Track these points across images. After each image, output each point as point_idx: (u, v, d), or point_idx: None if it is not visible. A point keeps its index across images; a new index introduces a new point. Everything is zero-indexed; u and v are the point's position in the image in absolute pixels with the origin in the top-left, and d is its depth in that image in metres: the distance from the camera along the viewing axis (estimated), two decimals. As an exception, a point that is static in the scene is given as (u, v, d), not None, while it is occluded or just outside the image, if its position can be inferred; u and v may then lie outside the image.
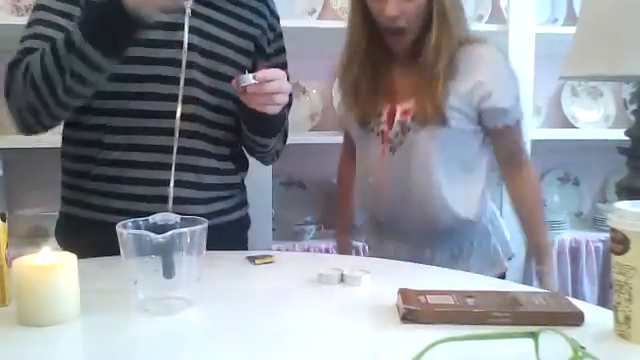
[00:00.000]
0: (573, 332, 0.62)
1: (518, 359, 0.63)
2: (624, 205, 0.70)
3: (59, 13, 1.08)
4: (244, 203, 1.32)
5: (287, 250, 2.00)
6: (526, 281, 2.08)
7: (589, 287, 2.23)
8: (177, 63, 1.08)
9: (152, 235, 0.75)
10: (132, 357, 0.67)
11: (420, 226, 1.31)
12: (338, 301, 0.85)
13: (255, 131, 1.20)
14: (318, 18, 2.23)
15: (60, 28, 1.06)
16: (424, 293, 0.79)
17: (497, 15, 2.27)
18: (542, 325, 0.64)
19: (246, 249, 1.30)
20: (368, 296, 0.88)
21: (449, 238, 1.32)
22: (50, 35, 1.06)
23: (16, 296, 0.76)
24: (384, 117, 1.30)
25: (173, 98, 1.09)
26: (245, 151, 1.30)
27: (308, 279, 0.94)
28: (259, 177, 1.87)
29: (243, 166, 1.29)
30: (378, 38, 1.28)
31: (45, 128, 1.10)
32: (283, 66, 1.29)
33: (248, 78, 1.01)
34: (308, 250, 2.05)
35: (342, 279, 0.92)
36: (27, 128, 1.09)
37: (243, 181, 1.31)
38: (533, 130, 2.13)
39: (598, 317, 0.75)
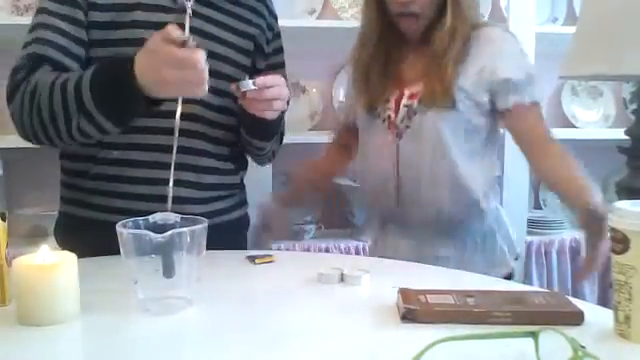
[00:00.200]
0: (573, 332, 0.62)
1: (518, 359, 0.63)
2: (624, 205, 0.70)
3: (61, 17, 1.07)
4: (243, 202, 1.32)
5: (287, 250, 2.00)
6: (526, 281, 2.09)
7: (589, 287, 2.22)
8: None
9: (152, 235, 0.75)
10: (132, 357, 0.67)
11: (426, 217, 1.27)
12: (338, 301, 0.85)
13: (253, 134, 1.21)
14: (318, 18, 2.23)
15: (62, 32, 1.06)
16: (424, 293, 0.79)
17: (497, 14, 2.27)
18: (542, 324, 0.64)
19: (246, 249, 1.30)
20: (368, 296, 0.88)
21: (454, 233, 1.29)
22: (52, 40, 1.06)
23: (16, 296, 0.76)
24: (391, 103, 1.28)
25: (173, 97, 1.09)
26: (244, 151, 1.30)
27: (308, 279, 0.94)
28: (259, 177, 1.87)
29: (243, 166, 1.30)
30: (390, 25, 1.27)
31: (45, 145, 1.11)
32: (281, 65, 1.30)
33: (248, 84, 1.03)
34: (308, 250, 2.05)
35: (342, 279, 0.92)
36: (27, 140, 1.09)
37: (242, 181, 1.31)
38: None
39: (598, 317, 0.75)
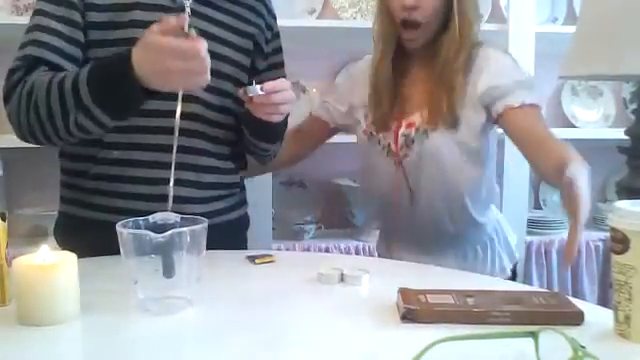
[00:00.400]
0: (573, 331, 0.62)
1: (518, 359, 0.63)
2: (624, 204, 0.70)
3: (57, 18, 1.07)
4: (243, 202, 1.32)
5: (287, 250, 2.00)
6: (526, 281, 2.09)
7: (589, 287, 2.22)
8: None
9: (152, 234, 0.75)
10: (132, 357, 0.67)
11: (427, 234, 1.31)
12: (338, 301, 0.85)
13: (258, 137, 1.22)
14: (318, 18, 2.23)
15: (58, 34, 1.06)
16: (424, 292, 0.79)
17: (497, 14, 2.27)
18: (542, 324, 0.64)
19: (246, 248, 1.30)
20: (368, 296, 0.88)
21: (455, 244, 1.32)
22: (48, 42, 1.05)
23: (16, 296, 0.76)
24: (391, 132, 1.30)
25: (173, 97, 1.09)
26: (244, 152, 1.30)
27: (308, 279, 0.94)
28: (259, 177, 1.87)
29: (242, 165, 1.30)
30: (400, 51, 1.29)
31: (42, 144, 1.11)
32: (281, 65, 1.30)
33: (256, 89, 1.04)
34: (308, 250, 2.05)
35: (342, 279, 0.92)
36: (24, 140, 1.09)
37: (242, 180, 1.31)
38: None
39: (598, 317, 0.75)
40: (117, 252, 0.77)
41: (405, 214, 1.32)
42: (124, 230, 0.77)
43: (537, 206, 2.47)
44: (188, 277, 0.80)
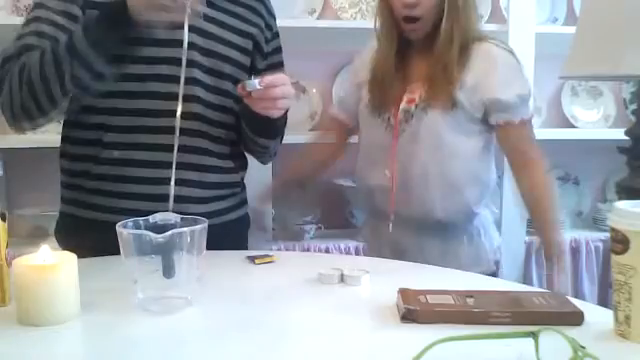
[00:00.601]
0: (573, 332, 0.62)
1: (518, 359, 0.63)
2: (624, 205, 0.70)
3: (58, 12, 1.07)
4: (244, 202, 1.32)
5: (287, 250, 2.00)
6: (526, 281, 2.09)
7: (589, 287, 2.22)
8: (177, 62, 1.09)
9: (152, 235, 0.75)
10: (132, 357, 0.67)
11: (417, 216, 1.32)
12: (338, 301, 0.85)
13: (258, 133, 1.22)
14: (318, 18, 2.23)
15: (58, 26, 1.06)
16: (424, 293, 0.79)
17: (497, 15, 2.27)
18: (542, 325, 0.64)
19: (246, 248, 1.30)
20: (368, 296, 0.88)
21: (441, 230, 1.33)
22: (48, 32, 1.06)
23: (16, 296, 0.76)
24: (392, 106, 1.33)
25: (173, 97, 1.09)
26: (244, 150, 1.31)
27: (308, 279, 0.94)
28: (259, 177, 1.86)
29: (243, 165, 1.30)
30: (399, 29, 1.32)
31: (36, 127, 1.11)
32: (280, 65, 1.30)
33: (254, 84, 1.03)
34: (308, 250, 2.05)
35: (342, 279, 0.92)
36: (17, 125, 1.09)
37: (243, 180, 1.31)
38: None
39: (598, 317, 0.75)
40: (118, 252, 0.77)
41: (397, 192, 1.32)
42: (124, 230, 0.77)
43: (537, 206, 2.47)
44: (188, 277, 0.80)
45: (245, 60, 1.22)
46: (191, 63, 1.11)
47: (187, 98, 1.11)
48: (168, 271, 0.77)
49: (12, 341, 0.70)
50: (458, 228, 1.35)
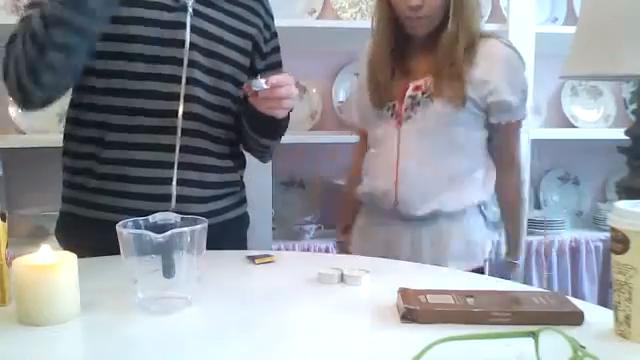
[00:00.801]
0: (573, 332, 0.62)
1: (518, 359, 0.63)
2: (624, 205, 0.70)
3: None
4: (244, 201, 1.32)
5: (287, 250, 2.00)
6: (526, 281, 2.09)
7: (589, 287, 2.22)
8: (178, 62, 1.09)
9: (152, 235, 0.75)
10: (132, 357, 0.67)
11: (411, 203, 1.33)
12: (338, 301, 0.85)
13: (261, 133, 1.22)
14: (318, 18, 2.23)
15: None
16: (424, 293, 0.79)
17: (497, 14, 2.27)
18: (542, 325, 0.64)
19: (245, 248, 1.30)
20: (368, 296, 0.88)
21: (436, 223, 1.34)
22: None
23: (16, 296, 0.76)
24: (397, 95, 1.34)
25: (174, 97, 1.09)
26: (243, 149, 1.31)
27: (308, 279, 0.94)
28: (259, 177, 1.87)
29: (242, 163, 1.31)
30: (399, 24, 1.33)
31: (45, 95, 1.05)
32: (279, 65, 1.31)
33: (260, 83, 1.04)
34: (308, 250, 2.05)
35: (342, 279, 0.92)
36: (26, 97, 1.04)
37: (242, 178, 1.31)
38: (533, 130, 2.13)
39: (598, 317, 0.75)
40: (118, 252, 0.77)
41: (399, 180, 1.33)
42: (124, 230, 0.77)
43: (537, 206, 2.47)
44: (188, 277, 0.80)
45: (244, 61, 1.22)
46: (192, 63, 1.11)
47: (188, 98, 1.11)
48: (168, 271, 0.77)
49: (12, 341, 0.70)
50: (453, 219, 1.35)
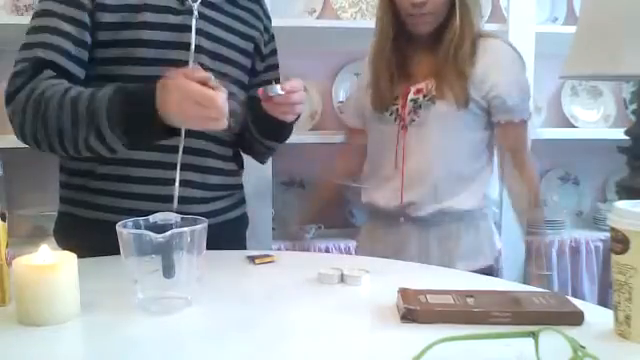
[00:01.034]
0: (573, 332, 0.62)
1: (518, 359, 0.63)
2: (624, 205, 0.70)
3: (67, 19, 1.05)
4: (243, 200, 1.33)
5: (287, 250, 2.00)
6: (526, 281, 2.09)
7: (589, 287, 2.22)
8: (184, 64, 1.09)
9: (152, 235, 0.75)
10: (132, 357, 0.67)
11: (419, 205, 1.33)
12: (338, 301, 0.85)
13: (268, 136, 1.24)
14: (318, 18, 2.23)
15: (67, 36, 1.05)
16: (424, 293, 0.79)
17: (497, 14, 2.27)
18: (542, 325, 0.64)
19: (245, 248, 1.30)
20: (368, 296, 0.88)
21: (443, 224, 1.34)
22: (58, 44, 1.04)
23: (16, 296, 0.76)
24: (399, 99, 1.35)
25: None
26: (242, 151, 1.31)
27: (308, 279, 0.94)
28: (259, 177, 1.87)
29: (242, 166, 1.31)
30: (401, 24, 1.33)
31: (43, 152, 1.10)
32: (277, 67, 1.32)
33: (276, 89, 1.06)
34: (308, 250, 2.05)
35: (342, 279, 0.92)
36: (25, 143, 1.08)
37: (241, 178, 1.32)
38: (533, 129, 2.12)
39: (598, 317, 0.75)
40: (118, 252, 0.77)
41: (405, 184, 1.34)
42: (124, 230, 0.77)
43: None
44: (188, 277, 0.80)
45: (246, 62, 1.22)
46: (199, 66, 1.11)
47: None
48: (168, 271, 0.77)
49: (12, 341, 0.70)
50: (461, 220, 1.35)
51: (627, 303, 0.68)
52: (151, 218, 0.82)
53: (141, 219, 0.81)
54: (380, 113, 1.36)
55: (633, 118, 1.58)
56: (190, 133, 1.11)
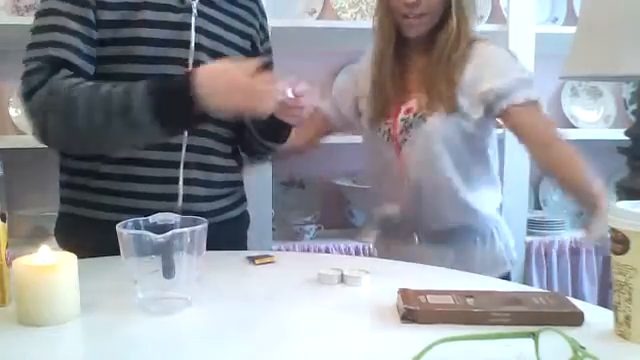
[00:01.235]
0: (573, 332, 0.62)
1: (518, 359, 0.63)
2: (624, 205, 0.70)
3: (73, 17, 1.05)
4: (244, 199, 1.33)
5: (287, 250, 2.00)
6: (526, 281, 2.09)
7: (589, 287, 2.22)
8: (184, 63, 1.09)
9: (152, 235, 0.75)
10: (132, 357, 0.67)
11: (428, 224, 1.32)
12: (338, 301, 0.85)
13: (270, 138, 1.23)
14: (318, 18, 2.23)
15: (76, 34, 1.05)
16: (424, 293, 0.79)
17: (497, 14, 2.27)
18: (542, 325, 0.64)
19: (246, 247, 1.30)
20: (368, 296, 0.88)
21: (454, 234, 1.33)
22: (69, 43, 1.04)
23: (16, 296, 0.76)
24: (390, 118, 1.33)
25: None
26: (241, 150, 1.31)
27: (308, 279, 0.94)
28: (259, 177, 1.87)
29: (241, 163, 1.31)
30: (398, 34, 1.31)
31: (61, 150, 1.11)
32: (272, 66, 1.31)
33: (287, 92, 1.05)
34: (308, 250, 2.05)
35: (342, 279, 0.92)
36: (43, 142, 1.07)
37: (242, 176, 1.32)
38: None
39: (598, 317, 0.75)
40: (118, 252, 0.77)
41: (407, 205, 1.32)
42: (124, 230, 0.77)
43: (537, 206, 2.47)
44: (188, 277, 0.80)
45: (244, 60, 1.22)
46: (197, 64, 1.11)
47: None
48: (168, 271, 0.77)
49: (12, 341, 0.70)
50: (471, 232, 1.34)
51: (627, 303, 0.68)
52: (151, 218, 0.82)
53: (141, 219, 0.81)
54: (375, 132, 1.35)
55: (633, 118, 1.58)
56: (193, 131, 1.11)
